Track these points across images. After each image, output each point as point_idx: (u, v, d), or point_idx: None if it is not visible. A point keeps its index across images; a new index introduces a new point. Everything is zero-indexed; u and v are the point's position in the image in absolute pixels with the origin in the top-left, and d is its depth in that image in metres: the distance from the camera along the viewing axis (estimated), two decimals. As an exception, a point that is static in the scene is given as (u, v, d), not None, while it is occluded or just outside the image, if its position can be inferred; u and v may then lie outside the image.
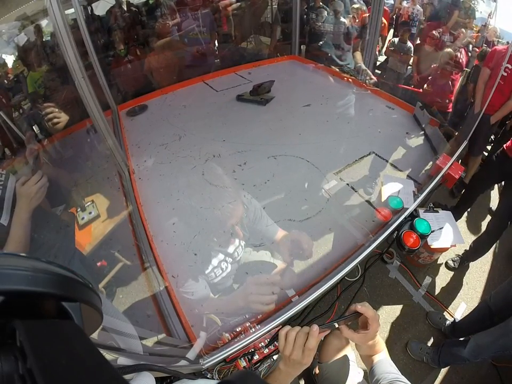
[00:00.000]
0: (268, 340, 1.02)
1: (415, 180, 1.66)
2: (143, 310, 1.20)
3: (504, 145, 1.92)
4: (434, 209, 1.57)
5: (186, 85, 2.68)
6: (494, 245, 2.17)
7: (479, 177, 2.26)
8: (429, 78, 2.62)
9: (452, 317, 1.93)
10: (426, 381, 1.69)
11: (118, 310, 1.19)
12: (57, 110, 1.26)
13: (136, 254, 1.33)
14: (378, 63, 3.20)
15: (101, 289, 1.24)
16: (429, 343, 1.82)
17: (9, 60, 1.79)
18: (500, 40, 2.33)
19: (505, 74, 2.08)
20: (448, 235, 1.55)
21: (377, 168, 1.79)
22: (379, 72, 3.11)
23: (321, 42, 2.82)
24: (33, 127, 1.56)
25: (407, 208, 1.44)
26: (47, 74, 1.91)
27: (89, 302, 0.28)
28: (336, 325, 0.85)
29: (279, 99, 2.39)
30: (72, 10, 1.67)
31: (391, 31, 3.59)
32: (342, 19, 2.67)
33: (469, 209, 2.46)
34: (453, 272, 2.18)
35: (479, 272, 2.20)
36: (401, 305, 1.98)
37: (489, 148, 2.96)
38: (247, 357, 1.00)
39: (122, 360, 0.74)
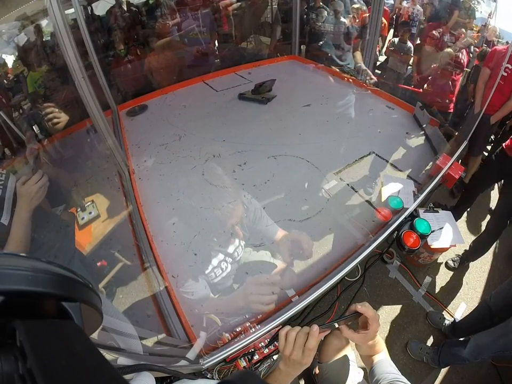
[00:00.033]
0: (268, 340, 1.02)
1: (415, 180, 1.66)
2: (143, 310, 1.20)
3: (504, 144, 1.92)
4: (434, 209, 1.56)
5: (186, 85, 2.68)
6: (494, 245, 2.17)
7: (479, 176, 2.26)
8: (429, 78, 2.62)
9: (452, 317, 1.93)
10: (426, 381, 1.69)
11: (118, 310, 1.19)
12: (57, 110, 1.26)
13: (136, 254, 1.33)
14: (378, 63, 3.20)
15: (101, 289, 1.24)
16: (429, 343, 1.82)
17: (9, 60, 1.79)
18: (499, 40, 2.33)
19: (505, 74, 2.08)
20: (448, 235, 1.55)
21: (377, 168, 1.79)
22: (379, 72, 3.11)
23: (321, 42, 2.82)
24: (33, 127, 1.55)
25: (407, 208, 1.44)
26: (47, 74, 1.91)
27: (89, 302, 0.28)
28: (336, 325, 0.85)
29: (279, 99, 2.40)
30: (72, 10, 1.68)
31: (391, 31, 3.58)
32: (342, 19, 2.67)
33: (468, 209, 2.46)
34: (452, 272, 2.18)
35: (479, 272, 2.19)
36: (401, 305, 1.98)
37: (489, 148, 2.96)
38: (247, 357, 1.00)
39: (122, 360, 0.74)
